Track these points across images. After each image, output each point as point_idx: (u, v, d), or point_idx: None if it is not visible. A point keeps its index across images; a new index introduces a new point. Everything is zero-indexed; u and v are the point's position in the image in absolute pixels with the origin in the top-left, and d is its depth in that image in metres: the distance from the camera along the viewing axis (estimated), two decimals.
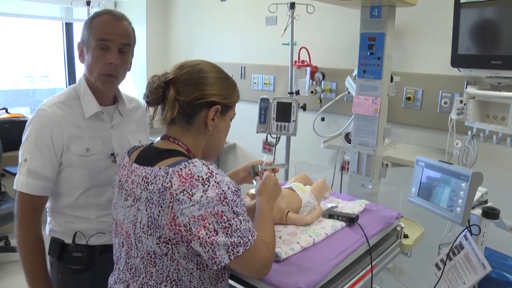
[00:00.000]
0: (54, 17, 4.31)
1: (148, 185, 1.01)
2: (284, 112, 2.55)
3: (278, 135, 2.74)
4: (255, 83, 3.44)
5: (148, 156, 1.13)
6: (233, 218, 0.97)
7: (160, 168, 1.01)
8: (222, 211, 0.96)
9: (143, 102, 1.20)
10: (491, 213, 1.48)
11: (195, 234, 0.95)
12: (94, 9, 3.91)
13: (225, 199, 0.97)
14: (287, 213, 1.42)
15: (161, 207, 0.97)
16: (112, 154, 1.47)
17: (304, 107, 2.94)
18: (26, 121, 4.09)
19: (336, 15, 2.84)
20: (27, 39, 4.86)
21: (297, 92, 2.92)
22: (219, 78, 1.14)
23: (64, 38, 4.38)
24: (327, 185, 1.70)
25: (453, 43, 1.92)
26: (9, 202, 3.22)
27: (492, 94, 1.81)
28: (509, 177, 2.18)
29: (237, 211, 0.99)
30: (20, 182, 1.33)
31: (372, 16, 2.01)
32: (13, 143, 3.61)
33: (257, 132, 2.64)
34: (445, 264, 1.62)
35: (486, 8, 1.80)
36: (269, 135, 2.69)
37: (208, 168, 0.99)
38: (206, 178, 0.96)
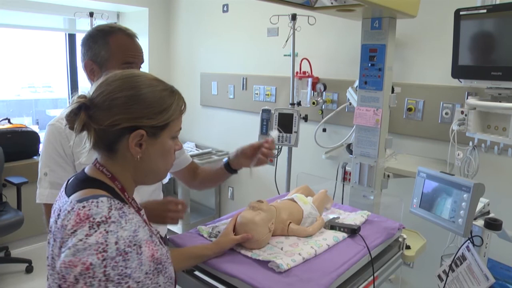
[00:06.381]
0: (58, 28, 4.37)
1: (58, 218, 0.89)
2: (286, 123, 2.56)
3: (280, 146, 2.75)
4: (257, 94, 3.46)
5: (73, 183, 0.97)
6: (100, 280, 0.78)
7: (71, 202, 0.88)
8: (91, 264, 0.77)
9: None
10: (493, 224, 1.47)
11: (70, 281, 0.79)
12: (97, 20, 3.95)
13: (103, 251, 0.78)
14: (288, 224, 1.42)
15: (59, 248, 0.85)
16: None
17: (305, 118, 2.95)
18: (28, 131, 4.10)
19: (337, 27, 2.86)
20: (30, 50, 4.90)
21: (299, 103, 2.93)
22: (140, 96, 0.93)
23: (67, 48, 4.43)
24: (329, 196, 1.70)
25: (453, 54, 1.93)
26: (10, 212, 3.21)
27: (492, 105, 1.82)
28: (511, 187, 2.18)
29: (109, 274, 0.78)
30: (45, 195, 1.38)
31: (373, 27, 2.02)
32: (15, 153, 3.64)
33: None
34: (447, 276, 1.61)
35: (486, 20, 1.81)
36: None
37: (109, 212, 0.83)
38: (97, 222, 0.81)
